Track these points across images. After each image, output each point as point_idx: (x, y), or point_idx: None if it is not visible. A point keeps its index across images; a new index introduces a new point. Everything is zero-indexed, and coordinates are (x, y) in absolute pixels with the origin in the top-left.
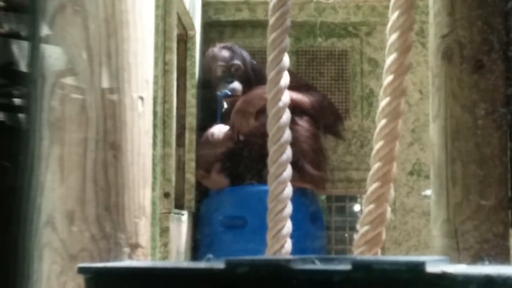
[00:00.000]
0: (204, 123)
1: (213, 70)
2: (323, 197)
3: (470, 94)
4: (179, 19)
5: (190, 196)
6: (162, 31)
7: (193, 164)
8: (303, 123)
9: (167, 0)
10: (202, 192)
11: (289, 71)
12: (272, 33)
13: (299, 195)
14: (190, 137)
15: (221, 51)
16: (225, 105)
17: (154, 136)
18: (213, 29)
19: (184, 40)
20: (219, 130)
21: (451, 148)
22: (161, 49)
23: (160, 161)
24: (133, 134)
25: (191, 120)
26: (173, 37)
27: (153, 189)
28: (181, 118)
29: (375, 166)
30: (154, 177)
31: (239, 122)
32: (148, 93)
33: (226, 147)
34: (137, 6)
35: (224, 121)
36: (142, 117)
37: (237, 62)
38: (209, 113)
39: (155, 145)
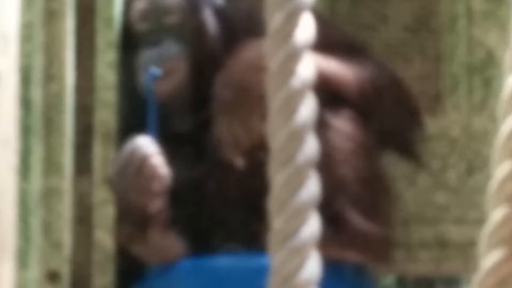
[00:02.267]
0: (132, 125)
1: (132, 15)
2: (390, 278)
3: None
4: None
5: (104, 279)
6: None
7: (109, 210)
8: (343, 125)
9: None
10: (132, 270)
11: (316, 14)
12: None
13: (337, 276)
14: (103, 153)
15: None
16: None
17: (26, 151)
18: None
19: None
20: (146, 148)
21: None
22: None
23: (39, 205)
24: None
25: (107, 116)
26: None
27: (24, 265)
28: (85, 112)
29: (499, 213)
30: (27, 239)
31: (235, 130)
32: (8, 63)
33: (163, 186)
34: None
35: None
36: None
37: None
38: (139, 104)
39: (28, 171)
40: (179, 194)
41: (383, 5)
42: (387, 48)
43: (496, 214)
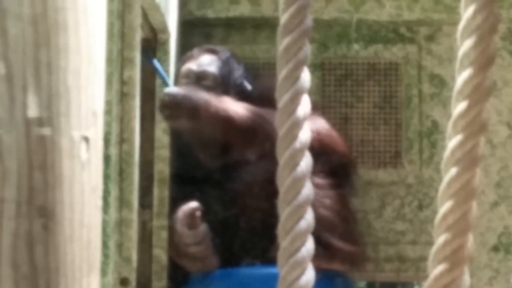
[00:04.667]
0: (183, 172)
1: (180, 74)
2: (362, 284)
3: None
4: (145, 16)
5: (160, 283)
6: (118, 34)
7: (164, 234)
8: (322, 181)
9: None
10: (179, 277)
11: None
12: (285, 37)
13: (326, 282)
14: (160, 194)
15: (200, 54)
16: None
17: (106, 192)
18: (196, 31)
19: (152, 48)
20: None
21: None
22: (117, 61)
23: (114, 231)
24: (72, 194)
25: (162, 167)
26: (135, 44)
27: (104, 274)
28: (147, 164)
29: (441, 238)
30: (106, 255)
31: (167, 113)
32: (96, 131)
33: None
34: (80, 0)
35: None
36: (86, 168)
37: (211, 70)
38: (189, 158)
39: (108, 207)
40: (215, 225)
41: (359, 88)
42: (362, 119)
43: (440, 239)
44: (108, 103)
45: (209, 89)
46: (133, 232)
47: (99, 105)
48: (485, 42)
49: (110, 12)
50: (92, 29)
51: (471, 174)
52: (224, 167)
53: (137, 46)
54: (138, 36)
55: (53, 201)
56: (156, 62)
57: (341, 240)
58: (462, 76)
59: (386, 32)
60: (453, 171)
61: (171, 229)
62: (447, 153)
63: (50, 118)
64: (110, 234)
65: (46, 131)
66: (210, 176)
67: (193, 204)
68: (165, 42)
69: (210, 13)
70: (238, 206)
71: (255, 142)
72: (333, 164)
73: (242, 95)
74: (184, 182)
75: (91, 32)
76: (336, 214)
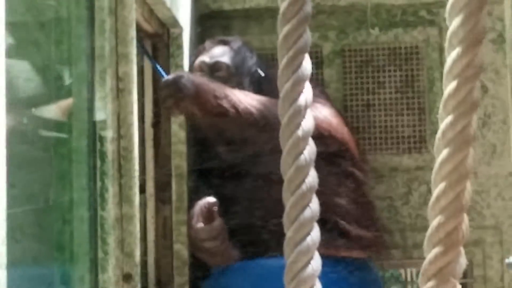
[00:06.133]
0: (200, 166)
1: (194, 65)
2: (397, 272)
3: None
4: (151, 12)
5: (182, 279)
6: (111, 30)
7: (184, 229)
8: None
9: None
10: (201, 271)
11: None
12: (285, 26)
13: (346, 270)
14: (178, 189)
15: (212, 46)
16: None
17: (103, 189)
18: (214, 24)
19: (165, 43)
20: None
21: None
22: (111, 58)
23: (115, 227)
24: None
25: (180, 162)
26: (129, 39)
27: (104, 270)
28: (164, 160)
29: (435, 221)
30: (105, 252)
31: (168, 101)
32: None
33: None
34: None
35: None
36: None
37: (224, 60)
38: (206, 152)
39: (105, 203)
40: (234, 217)
41: (380, 74)
42: (384, 105)
43: (434, 222)
44: (101, 99)
45: (223, 79)
46: (135, 228)
47: None
48: (473, 19)
49: (100, 9)
50: None
51: (463, 154)
52: (240, 159)
53: (132, 42)
54: (132, 32)
55: None
56: (151, 58)
57: (358, 227)
58: (451, 56)
59: (405, 15)
60: (445, 152)
61: (188, 224)
62: (438, 134)
63: None
64: (109, 230)
65: None
66: (228, 169)
67: (209, 199)
68: (178, 37)
69: (227, 5)
70: (256, 197)
71: (265, 133)
72: (332, 151)
73: (256, 84)
74: (202, 177)
75: None
76: (351, 201)
